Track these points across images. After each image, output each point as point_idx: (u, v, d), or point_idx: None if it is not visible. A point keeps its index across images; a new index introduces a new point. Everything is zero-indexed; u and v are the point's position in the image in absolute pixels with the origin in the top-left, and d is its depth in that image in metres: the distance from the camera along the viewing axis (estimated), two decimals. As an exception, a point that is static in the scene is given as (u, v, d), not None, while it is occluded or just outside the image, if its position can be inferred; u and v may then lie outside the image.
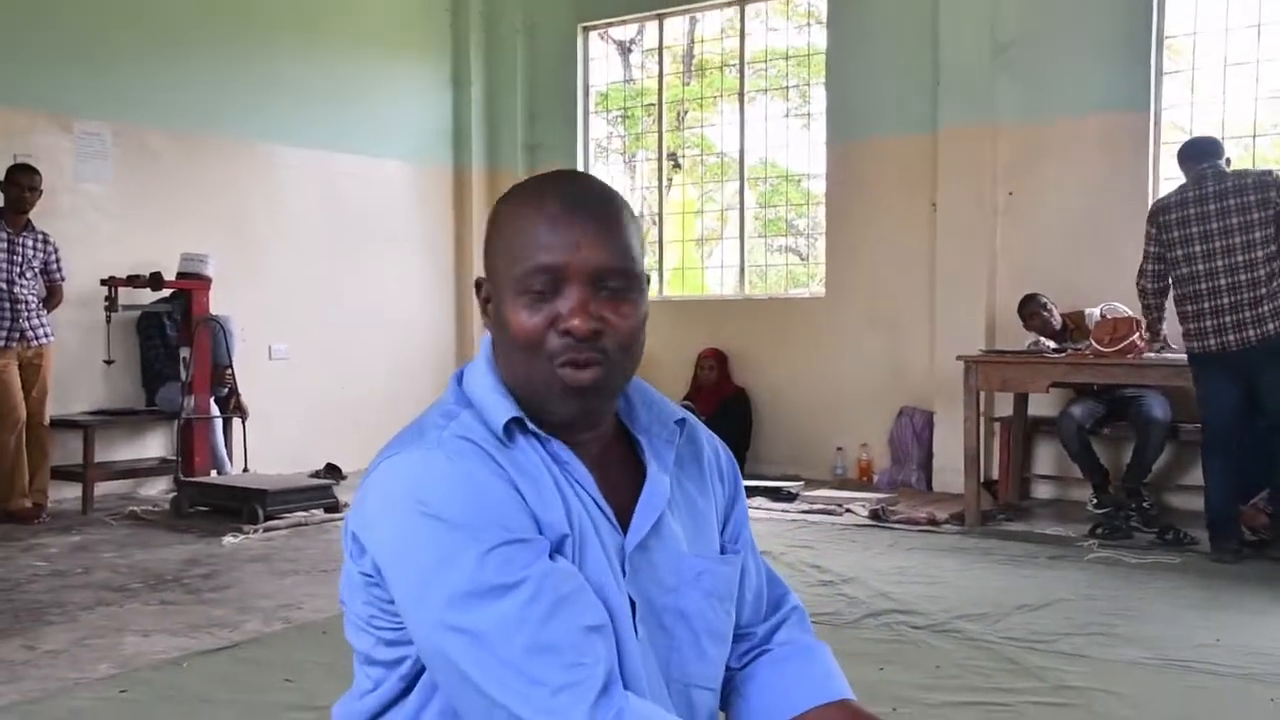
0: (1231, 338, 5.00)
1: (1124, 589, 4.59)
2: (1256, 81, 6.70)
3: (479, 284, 1.35)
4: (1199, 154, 5.18)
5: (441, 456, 1.21)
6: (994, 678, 3.39)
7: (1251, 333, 4.96)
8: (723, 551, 1.42)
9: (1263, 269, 4.94)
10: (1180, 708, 3.13)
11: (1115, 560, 5.14)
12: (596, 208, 1.27)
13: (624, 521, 1.31)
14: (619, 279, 1.27)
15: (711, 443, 1.48)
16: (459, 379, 1.36)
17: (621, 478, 1.34)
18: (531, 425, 1.28)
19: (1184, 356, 5.33)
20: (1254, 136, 6.81)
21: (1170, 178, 6.84)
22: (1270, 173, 5.12)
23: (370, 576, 1.26)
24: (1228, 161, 5.20)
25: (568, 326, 1.24)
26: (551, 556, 1.20)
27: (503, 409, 1.27)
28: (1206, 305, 5.06)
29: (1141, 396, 6.09)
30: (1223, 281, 5.01)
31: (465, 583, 1.15)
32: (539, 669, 1.13)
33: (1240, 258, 4.96)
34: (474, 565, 1.16)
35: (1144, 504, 5.90)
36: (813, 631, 1.52)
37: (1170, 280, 5.28)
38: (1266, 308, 4.93)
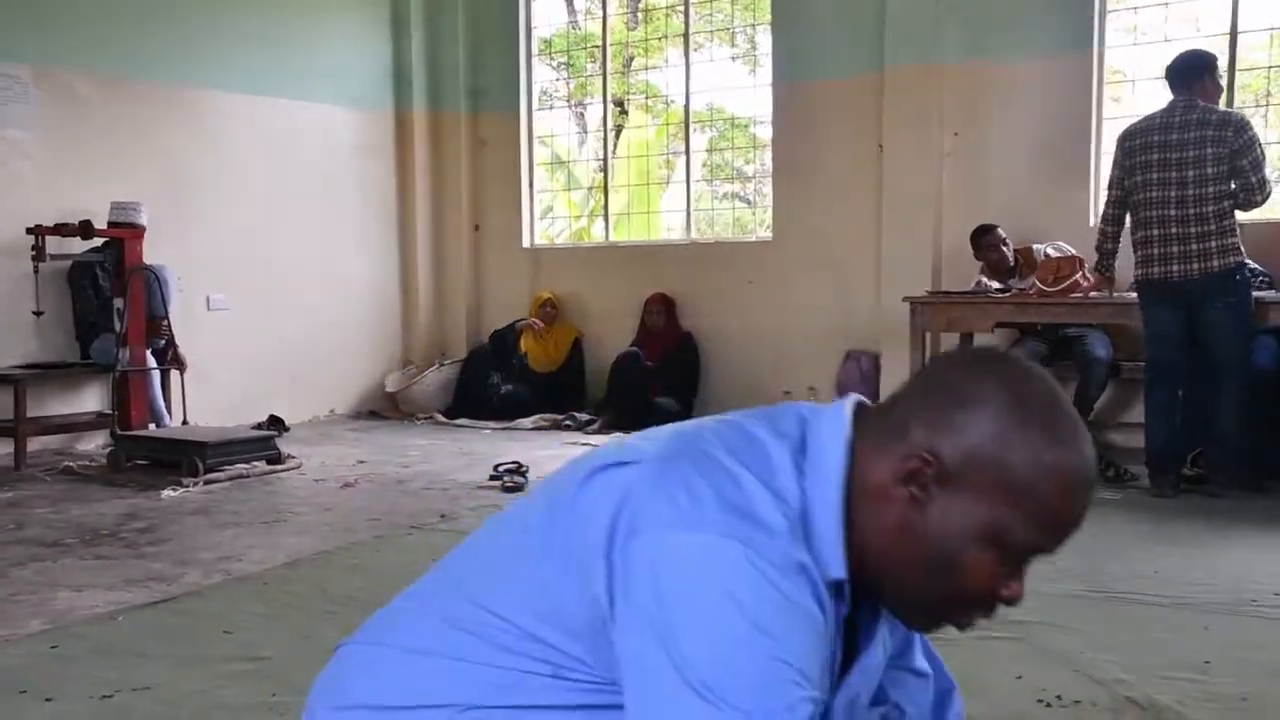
0: (1176, 268, 5.04)
1: (1066, 525, 4.62)
2: (1196, 23, 6.71)
3: (926, 461, 1.15)
4: (1177, 78, 5.14)
5: (777, 576, 1.09)
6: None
7: (1195, 266, 5.00)
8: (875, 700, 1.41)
9: (1211, 205, 4.97)
10: (1119, 636, 3.16)
11: (1058, 497, 5.17)
12: (1097, 487, 1.22)
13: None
14: None
15: None
16: (801, 434, 1.20)
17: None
18: (846, 592, 1.19)
19: (1124, 295, 5.35)
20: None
21: (1111, 118, 6.87)
22: (1232, 113, 5.13)
23: (596, 613, 1.15)
24: (1216, 83, 5.17)
25: (1009, 599, 1.18)
26: None
27: (837, 566, 1.16)
28: (1155, 233, 5.09)
29: (1084, 335, 6.13)
30: (1173, 212, 5.03)
31: (777, 714, 1.06)
32: None
33: (1191, 191, 4.98)
34: (792, 701, 1.07)
35: (1086, 442, 5.94)
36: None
37: (1128, 209, 5.29)
38: (1213, 244, 4.97)
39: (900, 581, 1.19)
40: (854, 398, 1.26)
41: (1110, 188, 5.41)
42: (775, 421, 1.22)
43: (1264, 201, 5.11)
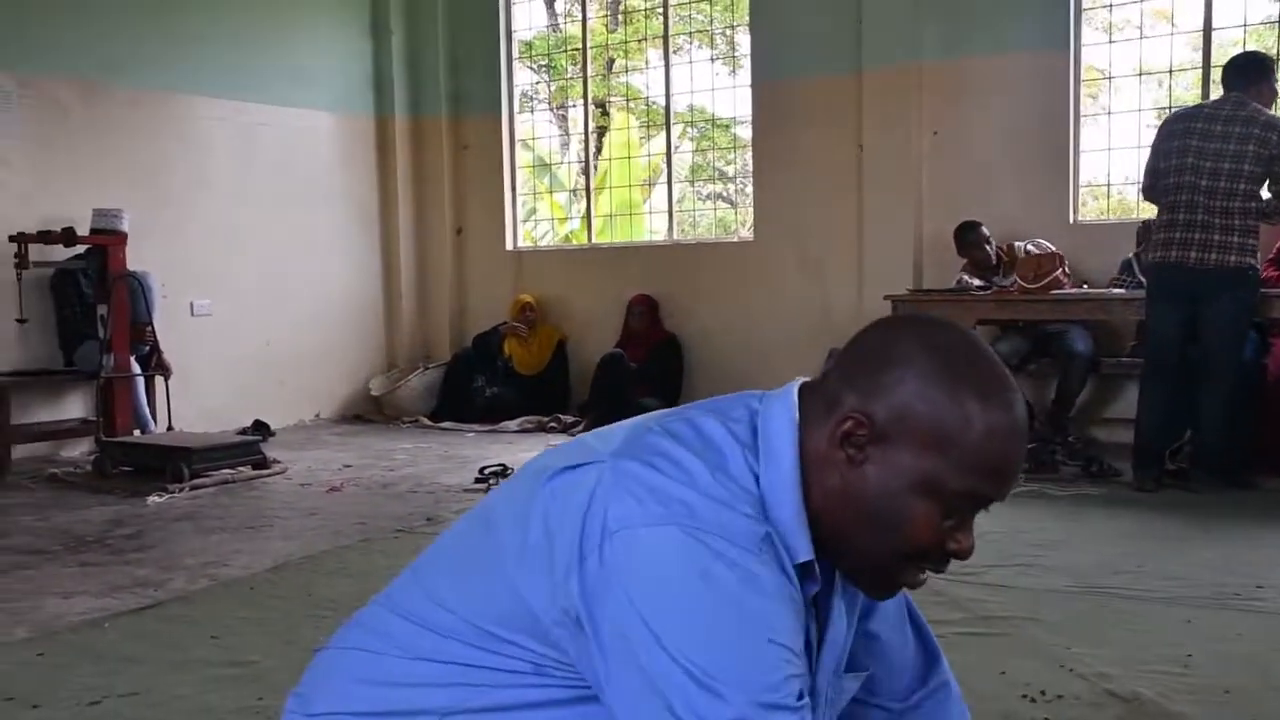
0: (1194, 255, 5.00)
1: (1049, 521, 4.66)
2: (1172, 21, 6.76)
3: (860, 423, 1.18)
4: (1235, 75, 5.13)
5: (749, 558, 1.12)
6: (922, 610, 3.42)
7: (1212, 257, 4.97)
8: (850, 666, 1.43)
9: (1238, 202, 4.94)
10: (1102, 631, 3.18)
11: (1041, 493, 5.21)
12: (1027, 436, 1.23)
13: None
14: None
15: None
16: (751, 421, 1.24)
17: None
18: (816, 570, 1.22)
19: (1104, 291, 5.38)
20: (1170, 72, 6.88)
21: (1089, 115, 6.92)
22: (1277, 121, 5.01)
23: (567, 619, 1.17)
24: (1273, 88, 5.15)
25: (958, 552, 1.21)
26: None
27: (802, 547, 1.19)
28: (1181, 218, 5.04)
29: (1065, 331, 6.17)
30: (1201, 199, 4.99)
31: (769, 691, 1.09)
32: None
33: (1223, 184, 4.95)
34: (781, 678, 1.10)
35: (1069, 438, 5.99)
36: (955, 700, 1.57)
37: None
38: (1234, 239, 4.94)
39: (853, 547, 1.22)
40: (799, 380, 1.29)
41: (1145, 175, 5.32)
42: (725, 412, 1.26)
43: None
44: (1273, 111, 5.20)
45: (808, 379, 1.30)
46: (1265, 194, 5.03)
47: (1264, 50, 6.19)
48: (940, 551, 1.21)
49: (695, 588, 1.10)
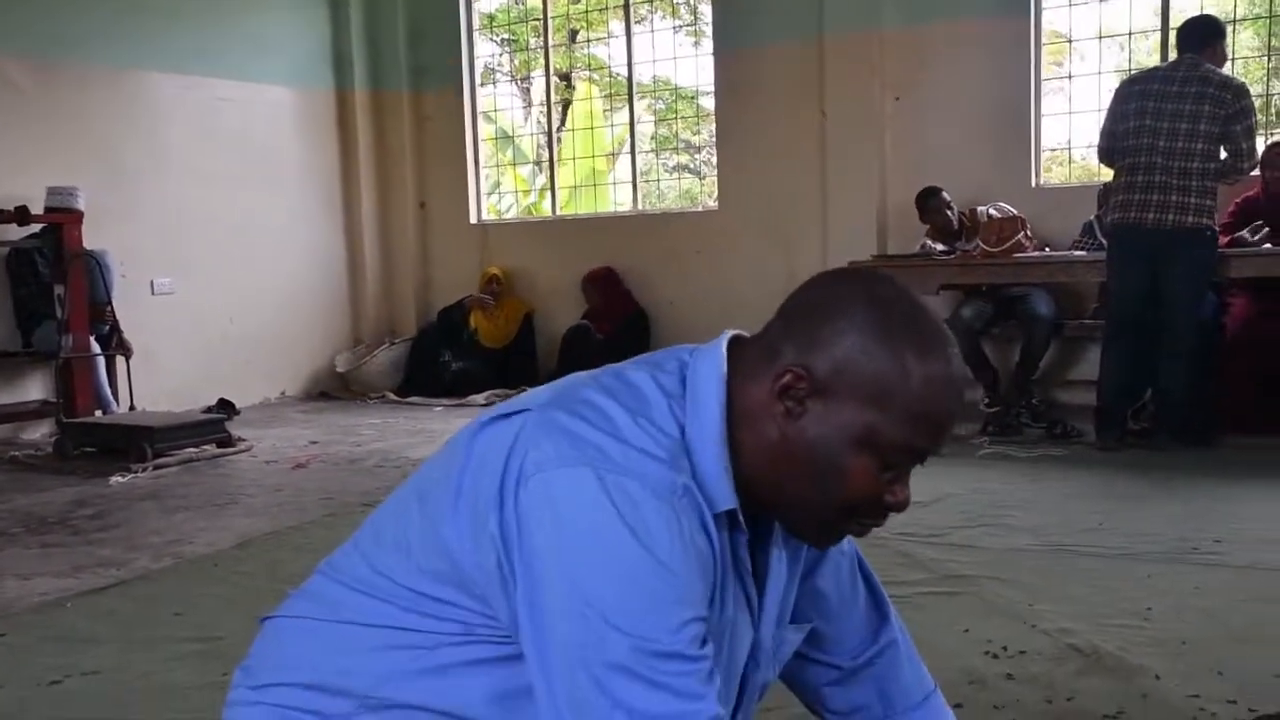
0: (1151, 216, 5.07)
1: (1014, 482, 4.69)
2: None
3: (798, 376, 1.19)
4: (1188, 37, 5.21)
5: (660, 503, 1.13)
6: (886, 571, 3.41)
7: (1170, 217, 5.04)
8: (795, 619, 1.45)
9: (1196, 163, 5.01)
10: (1064, 588, 3.21)
11: (1006, 455, 5.26)
12: (964, 391, 1.23)
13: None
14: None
15: None
16: (680, 373, 1.25)
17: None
18: (740, 519, 1.23)
19: (1066, 254, 5.40)
20: (1129, 34, 6.90)
21: (1050, 79, 6.93)
22: (1234, 78, 5.17)
23: (491, 565, 1.18)
24: (1224, 51, 5.25)
25: (896, 505, 1.22)
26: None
27: (724, 495, 1.20)
28: (1140, 179, 5.12)
29: (1028, 295, 6.19)
30: (1159, 160, 5.06)
31: (667, 634, 1.10)
32: None
33: (1180, 144, 5.02)
34: (678, 623, 1.11)
35: (1033, 400, 6.03)
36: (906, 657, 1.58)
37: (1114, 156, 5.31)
38: (1191, 200, 5.01)
39: (791, 498, 1.23)
40: (730, 333, 1.30)
41: (1101, 138, 5.39)
42: (657, 364, 1.28)
43: (1249, 170, 5.19)
44: (1225, 72, 5.25)
45: (741, 332, 1.31)
46: (1223, 154, 5.08)
47: (1219, 13, 6.22)
48: (878, 504, 1.22)
49: (601, 530, 1.11)
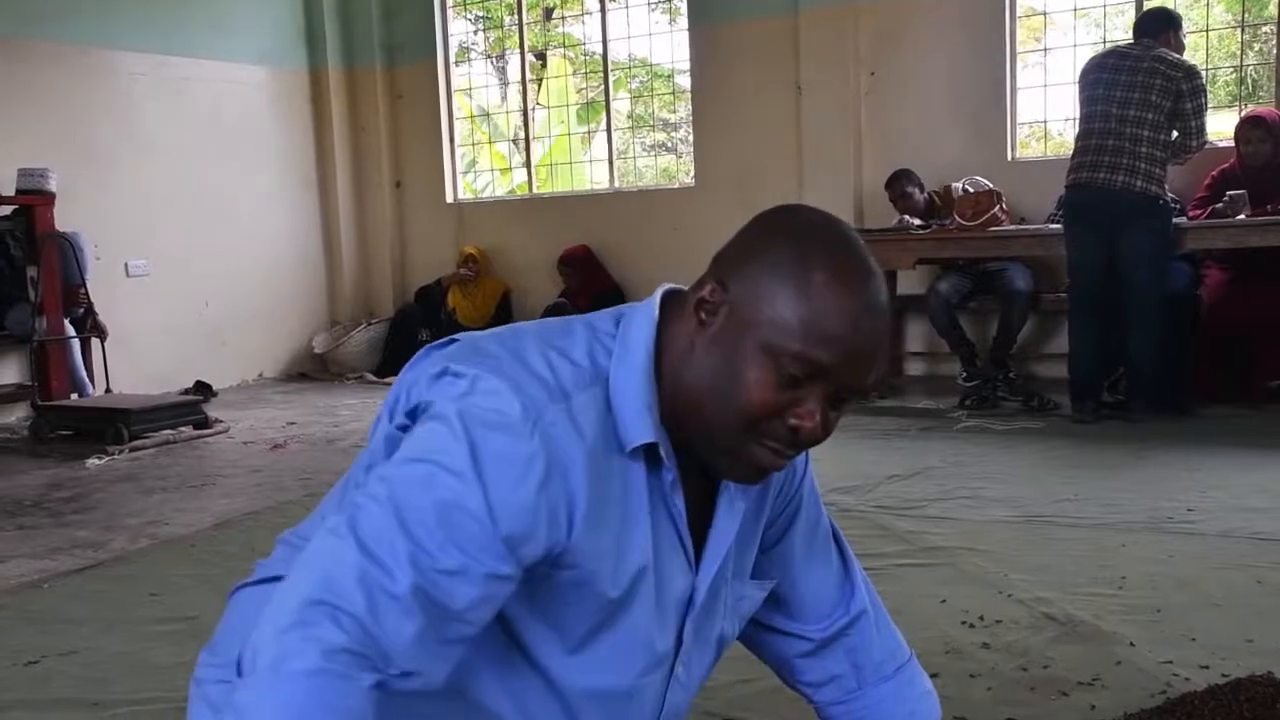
0: (1102, 176, 5.19)
1: (991, 455, 4.72)
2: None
3: (715, 289, 1.21)
4: (1150, 24, 5.41)
5: (537, 434, 1.13)
6: (863, 543, 3.45)
7: (1119, 179, 5.15)
8: (755, 575, 1.45)
9: (1147, 130, 5.15)
10: (1039, 558, 3.23)
11: (983, 429, 5.28)
12: (882, 327, 1.20)
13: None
14: (856, 400, 1.23)
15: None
16: (616, 320, 1.27)
17: (689, 502, 1.29)
18: (662, 453, 1.22)
19: (1041, 227, 5.43)
20: (1104, 5, 6.91)
21: (1025, 52, 6.94)
22: (1186, 61, 5.33)
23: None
24: (1180, 41, 5.41)
25: (799, 426, 1.19)
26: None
27: (640, 429, 1.20)
28: (1093, 142, 5.26)
29: (1005, 269, 6.21)
30: (1112, 126, 5.21)
31: (441, 553, 1.08)
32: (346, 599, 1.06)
33: (1133, 112, 5.17)
34: (443, 536, 1.09)
35: (1010, 374, 6.06)
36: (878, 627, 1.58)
37: None
38: (1141, 165, 5.14)
39: (700, 419, 1.21)
40: (667, 286, 1.31)
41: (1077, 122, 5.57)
42: (598, 316, 1.30)
43: (1199, 149, 5.30)
44: (1178, 56, 5.38)
45: (679, 287, 1.32)
46: (1175, 135, 5.24)
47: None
48: (782, 425, 1.19)
49: (453, 431, 1.12)
